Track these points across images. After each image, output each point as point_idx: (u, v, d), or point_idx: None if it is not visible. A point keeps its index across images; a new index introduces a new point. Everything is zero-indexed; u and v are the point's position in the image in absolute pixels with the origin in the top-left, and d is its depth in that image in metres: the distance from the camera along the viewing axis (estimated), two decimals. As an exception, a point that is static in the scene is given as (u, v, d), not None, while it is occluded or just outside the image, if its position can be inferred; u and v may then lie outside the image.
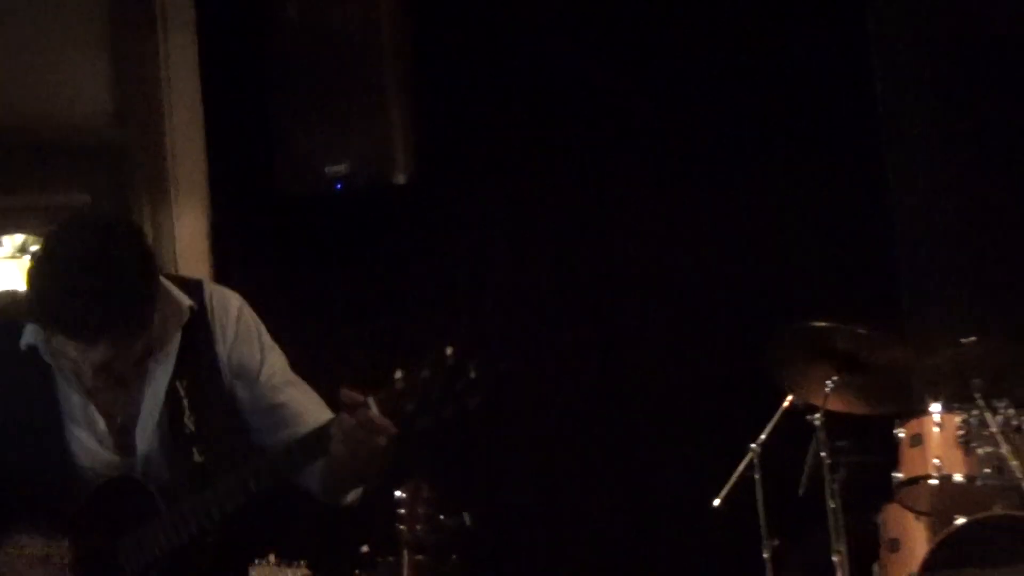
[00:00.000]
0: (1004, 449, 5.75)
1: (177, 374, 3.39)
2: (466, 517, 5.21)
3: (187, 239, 6.30)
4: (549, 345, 6.67)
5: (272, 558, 5.34)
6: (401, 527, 5.13)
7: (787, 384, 6.09)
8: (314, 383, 3.65)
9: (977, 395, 5.88)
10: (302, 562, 5.27)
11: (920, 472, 5.93)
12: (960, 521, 5.67)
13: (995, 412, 5.85)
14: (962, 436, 5.87)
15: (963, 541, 5.58)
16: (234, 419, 3.48)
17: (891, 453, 6.05)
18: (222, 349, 3.45)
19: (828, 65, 6.96)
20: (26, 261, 5.76)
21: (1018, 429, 5.85)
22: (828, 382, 5.91)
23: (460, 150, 6.58)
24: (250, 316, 3.53)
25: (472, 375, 3.14)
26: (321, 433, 3.27)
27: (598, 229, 6.87)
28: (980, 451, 5.83)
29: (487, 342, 6.19)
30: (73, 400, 3.37)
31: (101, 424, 3.38)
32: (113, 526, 3.33)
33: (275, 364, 3.51)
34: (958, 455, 5.87)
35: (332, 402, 3.43)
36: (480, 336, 6.36)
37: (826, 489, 5.86)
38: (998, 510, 5.72)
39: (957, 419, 5.89)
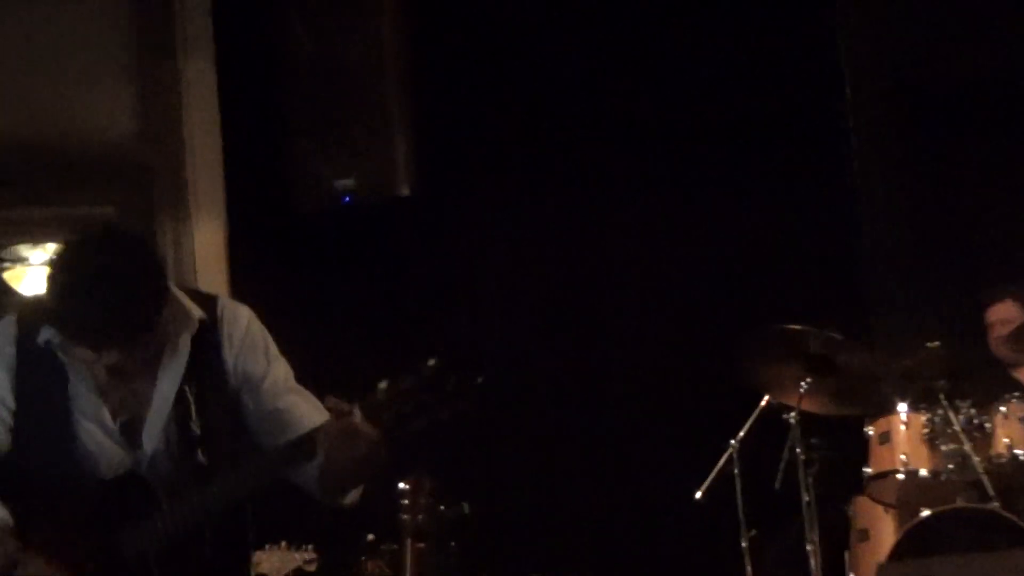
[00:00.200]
0: (966, 446, 5.77)
1: (186, 379, 3.34)
2: (464, 507, 5.25)
3: (205, 250, 6.28)
4: (543, 348, 6.66)
5: (283, 544, 5.38)
6: (404, 516, 5.17)
7: (764, 385, 6.08)
8: (321, 384, 3.65)
9: (941, 396, 5.90)
10: (310, 546, 5.30)
11: (888, 467, 5.94)
12: (925, 513, 5.68)
13: (958, 412, 5.87)
14: (927, 434, 5.89)
15: (928, 531, 5.60)
16: (238, 423, 3.41)
17: (861, 450, 6.07)
18: (229, 357, 3.39)
19: (803, 93, 6.99)
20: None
21: (979, 427, 5.87)
22: (802, 383, 5.91)
23: (458, 165, 6.58)
24: (258, 328, 3.47)
25: (450, 387, 3.11)
26: (308, 438, 3.22)
27: (588, 240, 6.85)
28: (944, 448, 5.85)
29: (484, 345, 6.26)
30: (85, 396, 3.32)
31: (110, 421, 3.33)
32: (117, 519, 3.28)
33: (278, 372, 3.45)
34: (923, 452, 5.89)
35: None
36: (478, 339, 6.39)
37: (800, 483, 5.86)
38: (960, 503, 5.74)
39: (922, 418, 5.91)
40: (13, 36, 6.23)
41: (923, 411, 5.92)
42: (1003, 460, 5.81)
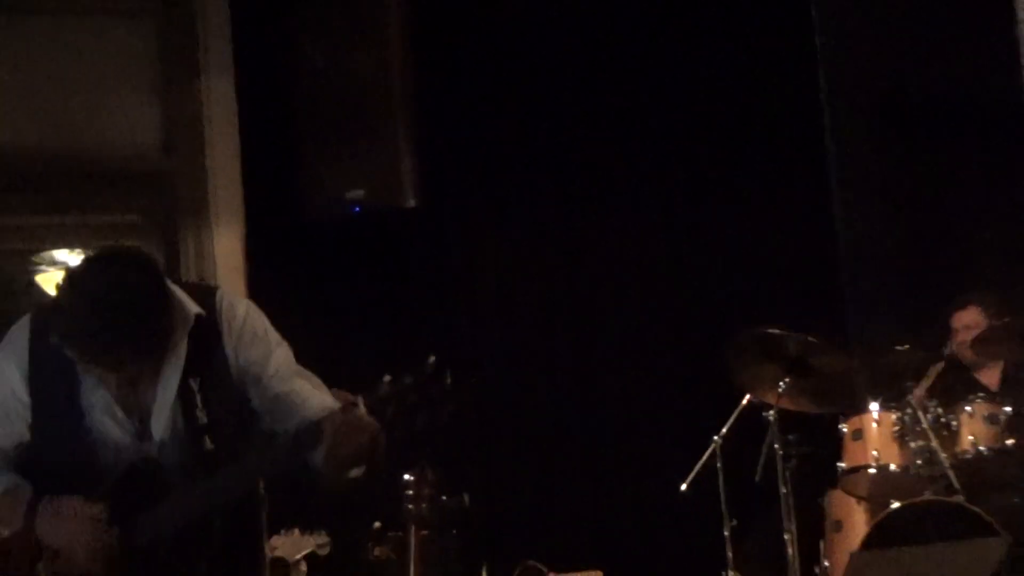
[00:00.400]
0: (934, 443, 5.77)
1: (189, 372, 3.31)
2: (465, 498, 5.27)
3: (225, 254, 6.27)
4: (540, 350, 6.66)
5: (296, 530, 5.39)
6: (408, 506, 5.19)
7: (745, 385, 6.07)
8: (330, 379, 3.62)
9: (910, 396, 5.90)
10: (322, 531, 5.30)
11: (861, 462, 5.95)
12: (895, 505, 5.68)
13: (926, 411, 5.88)
14: (897, 431, 5.89)
15: (897, 522, 5.58)
16: (243, 411, 3.39)
17: (835, 446, 6.08)
18: (230, 347, 3.37)
19: (783, 108, 7.00)
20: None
21: (946, 425, 5.87)
22: (781, 383, 5.90)
23: (460, 178, 6.58)
24: (257, 316, 3.45)
25: (448, 385, 3.11)
26: (314, 428, 3.21)
27: (582, 249, 6.86)
28: (913, 444, 5.85)
29: (483, 347, 6.27)
30: (96, 392, 3.31)
31: (121, 414, 3.32)
32: (131, 506, 3.26)
33: (281, 357, 3.42)
34: (894, 448, 5.90)
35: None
36: (478, 341, 6.40)
37: (779, 476, 5.83)
38: (928, 496, 5.73)
39: (893, 416, 5.92)
40: (48, 56, 6.22)
41: (894, 410, 5.93)
42: (968, 456, 5.82)
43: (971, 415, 5.87)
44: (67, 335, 3.20)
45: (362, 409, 3.14)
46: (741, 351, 5.99)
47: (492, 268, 6.70)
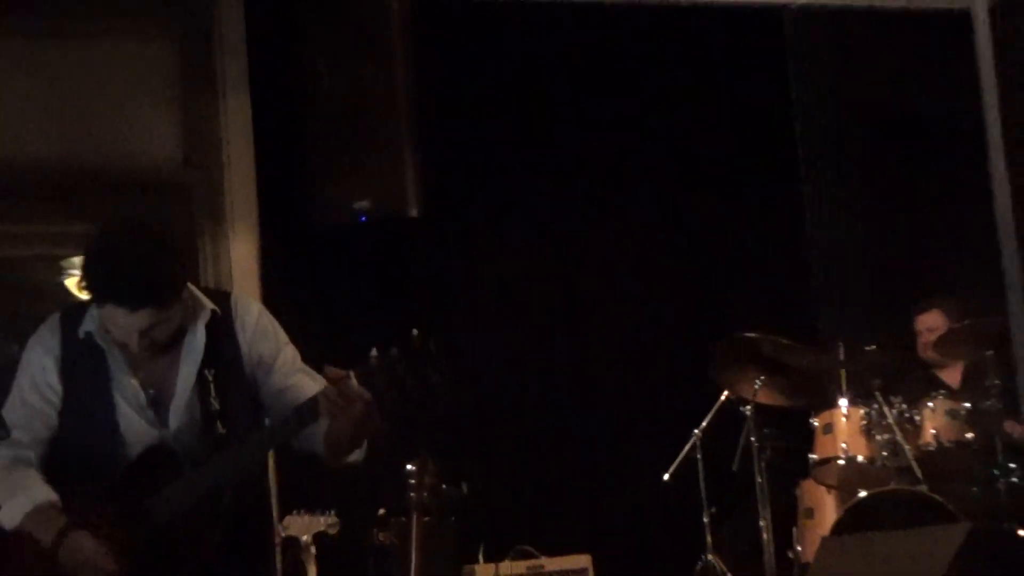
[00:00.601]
0: (898, 436, 5.83)
1: (206, 363, 3.35)
2: (463, 487, 5.27)
3: (240, 260, 6.25)
4: (534, 351, 6.65)
5: (306, 513, 5.38)
6: (411, 494, 5.16)
7: (724, 382, 6.12)
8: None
9: (877, 393, 5.94)
10: (332, 511, 5.30)
11: (831, 454, 5.99)
12: (863, 494, 5.72)
13: (891, 406, 5.92)
14: (864, 425, 5.94)
15: (865, 510, 5.62)
16: (252, 401, 3.44)
17: (807, 439, 6.11)
18: (244, 344, 3.42)
19: (761, 131, 7.03)
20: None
21: (910, 420, 5.93)
22: (756, 381, 5.96)
23: (461, 189, 6.57)
24: (267, 318, 3.50)
25: (432, 353, 3.16)
26: (311, 403, 3.25)
27: (574, 257, 6.87)
28: (879, 438, 5.90)
29: (481, 347, 6.28)
30: (121, 379, 3.35)
31: (143, 398, 3.36)
32: (147, 485, 3.30)
33: (287, 355, 3.47)
34: (861, 441, 5.94)
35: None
36: (475, 342, 6.40)
37: (754, 467, 5.88)
38: (893, 485, 5.79)
39: (861, 411, 5.96)
40: (77, 76, 6.19)
41: (861, 405, 5.98)
42: (931, 449, 5.87)
43: (933, 411, 5.92)
44: (89, 279, 3.26)
45: (354, 381, 3.17)
46: (721, 352, 6.04)
47: (489, 273, 6.70)
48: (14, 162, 6.08)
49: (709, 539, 6.03)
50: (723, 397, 6.12)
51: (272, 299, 6.08)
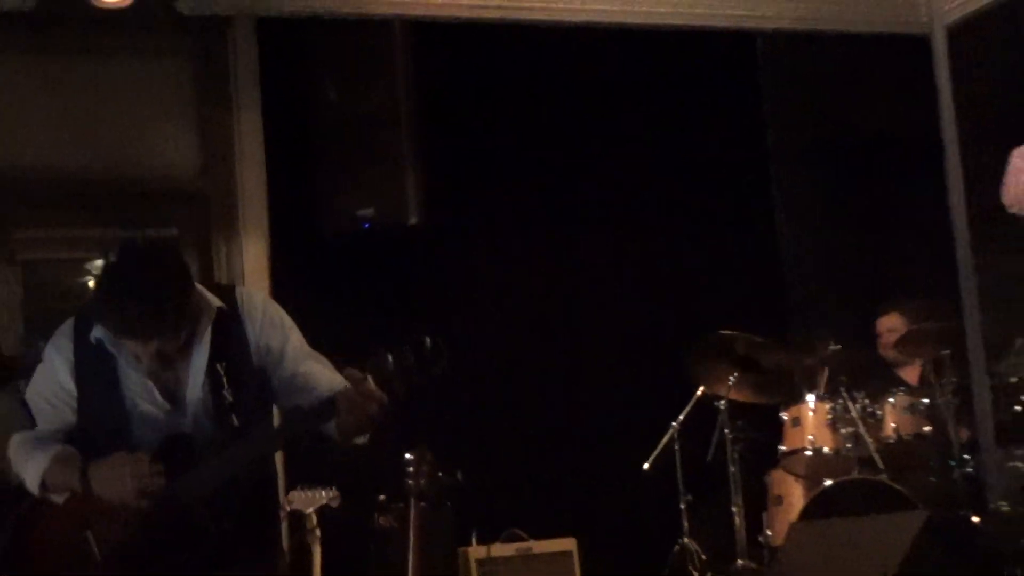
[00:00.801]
0: (861, 429, 5.83)
1: (215, 358, 3.32)
2: (458, 475, 5.28)
3: (252, 264, 6.23)
4: (526, 350, 6.62)
5: (308, 489, 5.36)
6: (409, 481, 5.19)
7: (700, 378, 6.12)
8: (339, 366, 3.59)
9: (842, 389, 5.95)
10: (333, 487, 5.29)
11: (799, 445, 5.98)
12: (828, 483, 5.73)
13: (855, 401, 5.92)
14: (830, 419, 5.93)
15: (830, 498, 5.63)
16: (263, 390, 3.40)
17: (777, 431, 6.11)
18: (252, 335, 3.38)
19: (737, 148, 7.06)
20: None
21: (872, 414, 5.93)
22: (730, 377, 5.98)
23: (458, 200, 6.56)
24: (273, 306, 3.48)
25: (443, 355, 3.17)
26: (329, 401, 3.25)
27: (563, 263, 6.85)
28: (843, 430, 5.89)
29: (476, 347, 6.27)
30: (134, 379, 3.33)
31: (158, 395, 3.33)
32: (169, 472, 3.27)
33: (295, 341, 3.43)
34: (827, 433, 5.93)
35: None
36: (472, 342, 6.40)
37: (728, 457, 5.91)
38: (856, 475, 5.79)
39: (827, 406, 5.95)
40: (101, 92, 6.19)
41: (827, 400, 5.97)
42: (891, 441, 5.88)
43: (894, 406, 5.92)
44: (102, 315, 3.26)
45: (371, 383, 3.18)
46: (697, 350, 6.05)
47: (483, 276, 6.68)
48: (44, 171, 6.09)
49: (686, 524, 6.03)
50: (699, 392, 6.11)
51: (281, 299, 6.05)
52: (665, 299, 6.88)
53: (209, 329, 3.33)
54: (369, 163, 6.32)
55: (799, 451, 5.99)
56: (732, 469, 5.88)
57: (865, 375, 6.24)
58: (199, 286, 3.38)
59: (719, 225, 6.98)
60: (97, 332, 3.32)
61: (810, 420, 5.98)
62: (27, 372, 3.53)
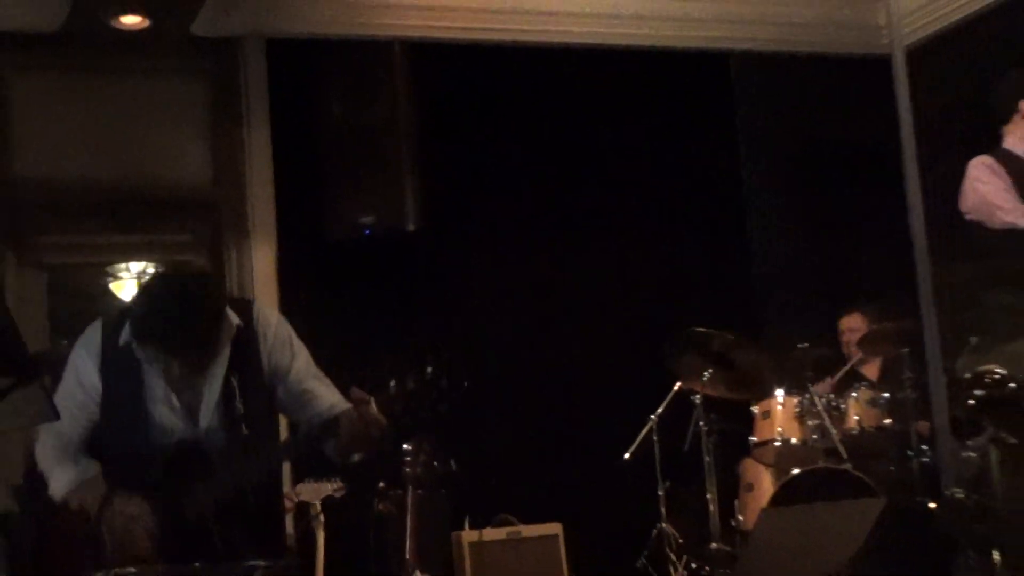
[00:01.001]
0: (826, 422, 5.85)
1: (231, 371, 3.33)
2: (452, 464, 5.29)
3: (261, 268, 6.24)
4: (517, 347, 6.62)
5: (315, 481, 5.37)
6: (407, 470, 5.22)
7: (677, 374, 6.11)
8: (344, 369, 3.63)
9: (808, 384, 5.97)
10: (337, 478, 5.30)
11: (768, 437, 6.00)
12: (796, 471, 5.73)
13: (820, 396, 5.94)
14: (797, 412, 5.94)
15: (798, 485, 5.63)
16: (271, 403, 3.42)
17: (748, 423, 6.12)
18: (264, 352, 3.39)
19: (712, 162, 7.06)
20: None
21: (836, 408, 5.95)
22: (705, 373, 5.95)
23: (453, 207, 6.57)
24: (284, 327, 3.47)
25: (444, 387, 3.15)
26: (333, 422, 3.26)
27: (551, 266, 6.82)
28: (810, 423, 5.91)
29: (471, 346, 6.28)
30: (156, 384, 3.33)
31: (176, 402, 3.33)
32: (181, 480, 3.29)
33: (302, 361, 3.44)
34: (795, 425, 5.94)
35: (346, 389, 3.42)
36: (467, 341, 6.40)
37: (703, 447, 5.87)
38: (822, 464, 5.80)
39: (794, 400, 5.97)
40: (121, 108, 6.20)
41: (795, 395, 5.98)
42: (854, 432, 5.89)
43: (856, 400, 5.94)
44: (137, 333, 3.26)
45: (373, 407, 3.18)
46: (674, 347, 6.02)
47: (476, 279, 6.69)
48: (68, 182, 6.11)
49: (663, 510, 6.03)
50: (676, 387, 6.11)
51: (289, 301, 6.12)
52: (645, 301, 6.87)
53: (229, 347, 3.35)
54: (371, 173, 6.32)
55: (769, 442, 6.00)
56: (707, 459, 5.85)
57: (830, 371, 6.28)
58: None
59: (696, 233, 6.99)
60: (126, 336, 3.33)
61: (779, 413, 5.99)
62: (52, 369, 3.53)
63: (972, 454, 4.86)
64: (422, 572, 5.20)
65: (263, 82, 6.41)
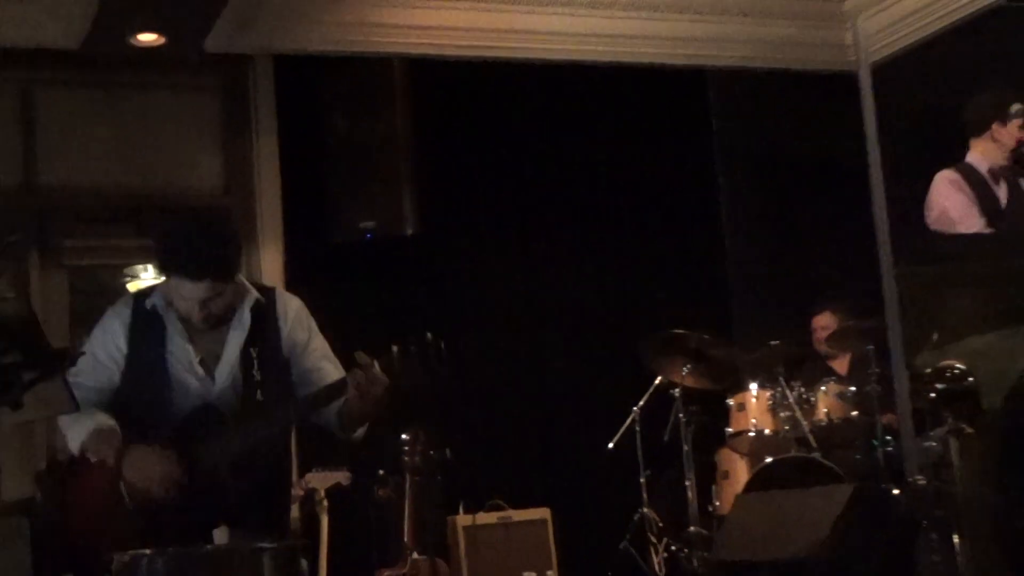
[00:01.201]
0: (797, 414, 5.87)
1: (251, 342, 3.35)
2: (447, 452, 5.31)
3: (269, 271, 6.22)
4: (506, 344, 6.63)
5: (323, 470, 5.38)
6: (405, 458, 5.24)
7: (658, 369, 6.13)
8: (346, 360, 3.58)
9: (780, 378, 5.98)
10: (344, 467, 5.32)
11: (743, 427, 6.01)
12: (769, 460, 5.75)
13: (792, 389, 5.95)
14: (770, 404, 5.97)
15: (770, 473, 5.66)
16: (285, 376, 3.44)
17: (724, 415, 6.13)
18: (284, 330, 3.41)
19: (689, 170, 7.07)
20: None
21: (807, 401, 5.97)
22: (684, 368, 5.98)
23: (449, 213, 6.57)
24: (303, 310, 3.51)
25: (441, 352, 3.22)
26: (341, 381, 3.29)
27: (540, 269, 6.83)
28: (782, 415, 5.93)
29: (467, 344, 6.28)
30: (179, 344, 3.34)
31: (196, 363, 3.34)
32: (196, 438, 3.29)
33: (316, 342, 3.48)
34: (768, 417, 5.97)
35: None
36: (462, 339, 6.40)
37: (682, 437, 5.90)
38: (793, 453, 5.81)
39: (767, 394, 5.99)
40: (138, 120, 6.20)
41: (768, 388, 6.00)
42: (823, 424, 5.91)
43: (826, 393, 5.95)
44: (162, 265, 3.30)
45: (378, 368, 3.22)
46: (656, 345, 6.06)
47: (469, 279, 6.69)
48: (89, 188, 6.11)
49: (645, 495, 6.03)
50: (657, 381, 6.12)
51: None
52: (630, 301, 6.87)
53: (248, 313, 3.37)
54: (372, 181, 6.32)
55: (743, 432, 6.01)
56: (685, 448, 5.88)
57: (801, 366, 6.30)
58: (242, 277, 3.41)
59: (675, 238, 6.99)
60: (153, 299, 3.36)
61: (753, 405, 6.01)
62: (74, 363, 3.51)
63: (933, 443, 4.88)
64: (419, 554, 5.20)
65: (271, 96, 6.40)
